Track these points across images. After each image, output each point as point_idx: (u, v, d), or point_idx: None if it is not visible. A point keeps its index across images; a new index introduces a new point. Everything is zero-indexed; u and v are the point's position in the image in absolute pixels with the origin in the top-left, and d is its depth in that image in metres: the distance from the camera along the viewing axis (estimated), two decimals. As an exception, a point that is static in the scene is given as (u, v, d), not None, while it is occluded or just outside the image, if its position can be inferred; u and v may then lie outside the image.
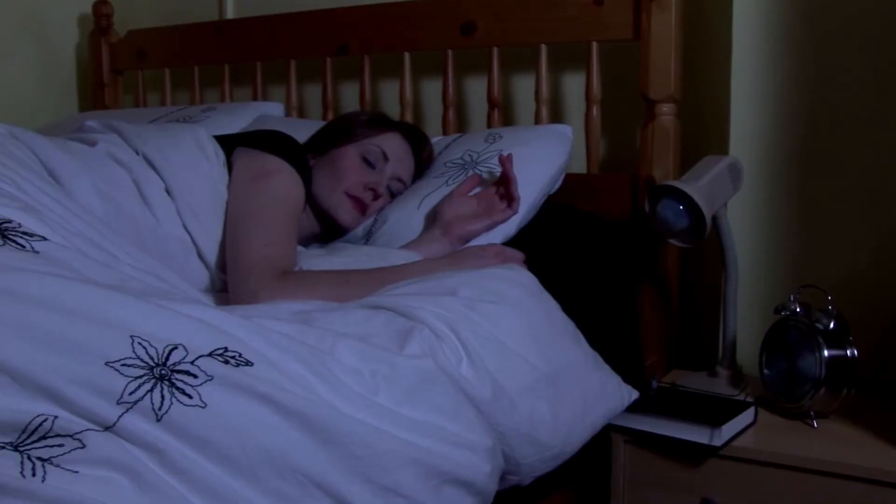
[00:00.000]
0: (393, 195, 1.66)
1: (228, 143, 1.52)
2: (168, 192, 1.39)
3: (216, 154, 1.48)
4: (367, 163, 1.61)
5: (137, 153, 1.42)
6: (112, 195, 1.32)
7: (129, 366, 0.88)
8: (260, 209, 1.39)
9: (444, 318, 1.15)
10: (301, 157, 1.53)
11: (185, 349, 0.91)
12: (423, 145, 1.74)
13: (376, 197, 1.61)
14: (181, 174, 1.41)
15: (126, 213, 1.33)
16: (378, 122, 1.70)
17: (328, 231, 1.62)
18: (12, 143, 1.26)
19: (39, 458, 0.80)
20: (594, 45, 1.81)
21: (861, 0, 1.65)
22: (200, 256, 1.39)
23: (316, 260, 1.44)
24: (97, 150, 1.39)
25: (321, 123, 1.83)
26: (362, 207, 1.59)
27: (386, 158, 1.63)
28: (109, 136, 1.45)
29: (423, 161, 1.73)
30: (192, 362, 0.91)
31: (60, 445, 0.82)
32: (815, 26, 1.68)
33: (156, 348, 0.90)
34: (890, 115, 1.64)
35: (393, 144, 1.65)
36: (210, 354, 0.92)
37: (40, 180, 1.18)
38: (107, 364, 0.87)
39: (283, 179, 1.45)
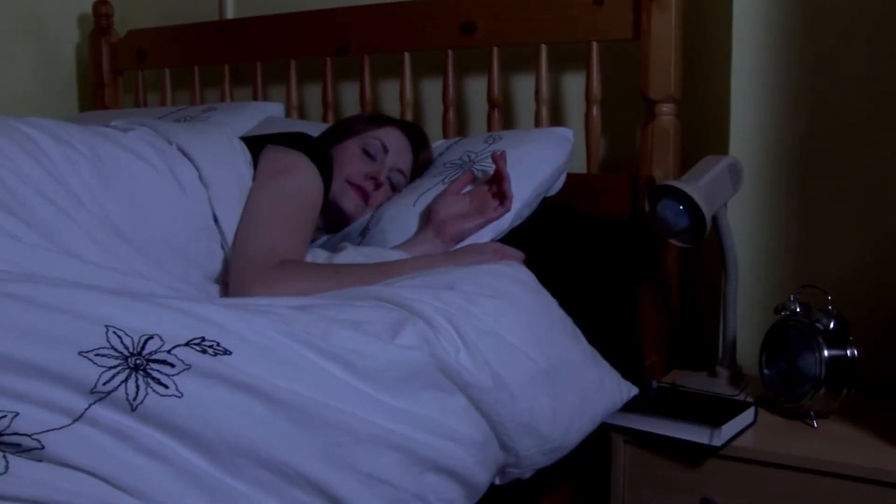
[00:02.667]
0: (394, 187, 1.67)
1: (257, 143, 1.54)
2: (201, 180, 1.40)
3: (243, 151, 1.50)
4: (368, 154, 1.64)
5: (170, 143, 1.43)
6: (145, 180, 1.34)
7: (104, 355, 0.87)
8: (272, 203, 1.39)
9: (442, 311, 1.15)
10: (326, 160, 1.54)
11: (161, 339, 0.91)
12: (422, 143, 1.76)
13: (378, 186, 1.62)
14: (214, 164, 1.42)
15: (161, 198, 1.34)
16: (377, 119, 1.73)
17: (331, 221, 1.63)
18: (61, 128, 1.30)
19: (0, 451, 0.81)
20: (594, 45, 1.81)
21: (861, 0, 1.65)
22: (223, 245, 1.39)
23: (317, 261, 1.44)
24: (131, 135, 1.41)
25: (321, 123, 1.84)
26: (364, 195, 1.61)
27: (386, 150, 1.65)
28: (140, 129, 1.46)
29: (421, 161, 1.74)
30: (168, 351, 0.90)
31: (18, 445, 0.82)
32: (815, 26, 1.68)
33: (131, 338, 0.90)
34: (890, 115, 1.64)
35: (392, 137, 1.68)
36: (187, 344, 0.92)
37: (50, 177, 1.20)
38: (80, 354, 0.87)
39: (302, 177, 1.46)
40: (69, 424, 0.84)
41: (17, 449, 0.82)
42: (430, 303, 1.16)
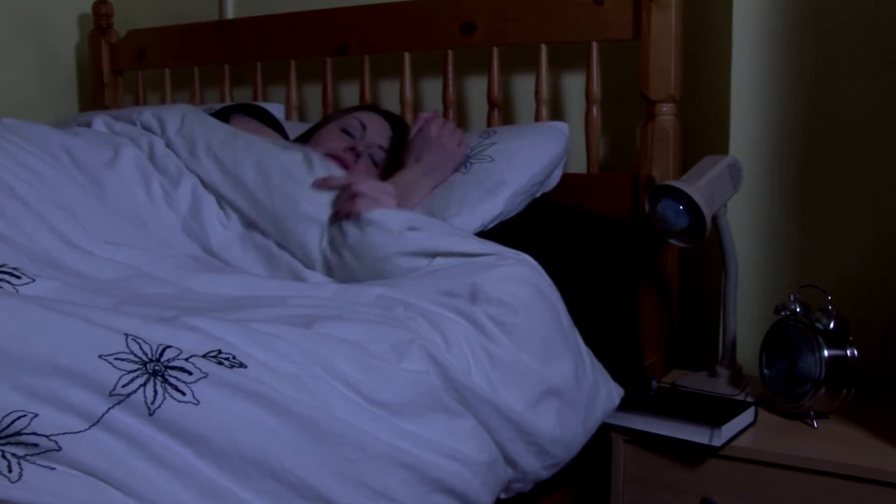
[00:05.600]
0: (375, 163, 1.71)
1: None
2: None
3: None
4: (347, 133, 1.71)
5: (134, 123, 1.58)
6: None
7: (123, 360, 0.88)
8: None
9: (458, 326, 1.16)
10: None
11: (179, 349, 0.92)
12: (403, 128, 1.79)
13: (357, 155, 1.67)
14: None
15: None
16: (357, 106, 1.84)
17: None
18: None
19: (14, 455, 0.81)
20: (594, 45, 1.81)
21: (861, 0, 1.65)
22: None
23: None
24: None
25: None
26: (345, 165, 1.64)
27: (364, 127, 1.72)
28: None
29: (402, 145, 1.76)
30: (186, 359, 0.91)
31: (35, 444, 0.82)
32: (816, 26, 1.68)
33: (149, 345, 0.91)
34: (890, 115, 1.64)
35: (370, 118, 1.75)
36: (204, 356, 0.93)
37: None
38: (100, 357, 0.87)
39: None
40: (86, 429, 0.84)
41: (34, 450, 0.82)
42: (447, 315, 1.17)
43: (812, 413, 1.46)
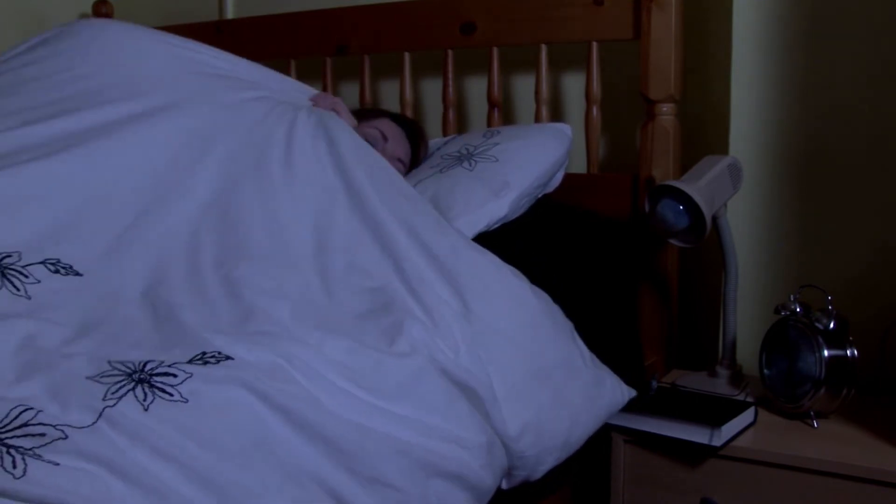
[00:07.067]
0: None
1: None
2: None
3: None
4: (368, 143, 1.66)
5: None
6: None
7: (108, 376, 0.92)
8: None
9: (446, 306, 1.16)
10: None
11: (161, 360, 0.94)
12: (418, 134, 1.80)
13: None
14: None
15: None
16: (369, 112, 1.81)
17: None
18: None
19: (19, 450, 0.81)
20: (594, 45, 1.81)
21: (861, 0, 1.65)
22: None
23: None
24: None
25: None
26: None
27: (385, 138, 1.72)
28: None
29: (421, 153, 1.79)
30: (169, 366, 0.93)
31: (42, 434, 0.83)
32: (816, 26, 1.68)
33: (133, 363, 0.94)
34: (890, 115, 1.64)
35: (388, 127, 1.75)
36: (189, 361, 0.95)
37: None
38: (87, 378, 0.91)
39: None
40: (89, 425, 0.86)
41: (41, 441, 0.82)
42: (437, 293, 1.17)
43: (812, 413, 1.46)
